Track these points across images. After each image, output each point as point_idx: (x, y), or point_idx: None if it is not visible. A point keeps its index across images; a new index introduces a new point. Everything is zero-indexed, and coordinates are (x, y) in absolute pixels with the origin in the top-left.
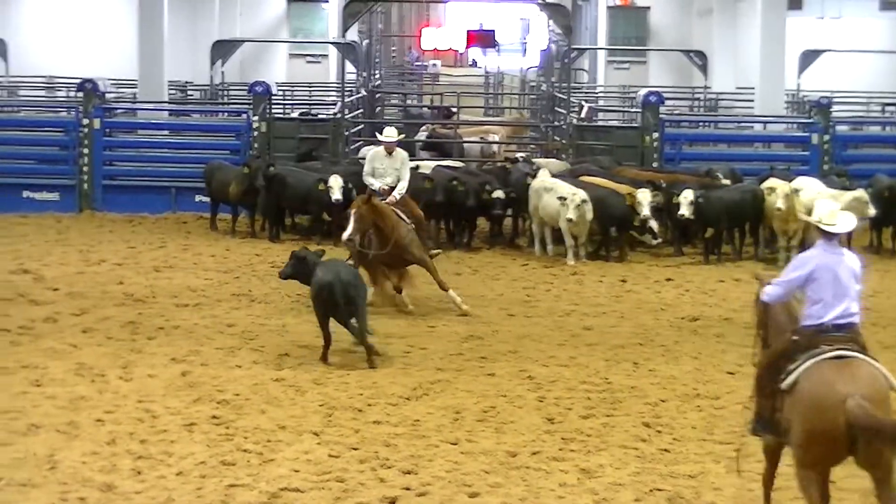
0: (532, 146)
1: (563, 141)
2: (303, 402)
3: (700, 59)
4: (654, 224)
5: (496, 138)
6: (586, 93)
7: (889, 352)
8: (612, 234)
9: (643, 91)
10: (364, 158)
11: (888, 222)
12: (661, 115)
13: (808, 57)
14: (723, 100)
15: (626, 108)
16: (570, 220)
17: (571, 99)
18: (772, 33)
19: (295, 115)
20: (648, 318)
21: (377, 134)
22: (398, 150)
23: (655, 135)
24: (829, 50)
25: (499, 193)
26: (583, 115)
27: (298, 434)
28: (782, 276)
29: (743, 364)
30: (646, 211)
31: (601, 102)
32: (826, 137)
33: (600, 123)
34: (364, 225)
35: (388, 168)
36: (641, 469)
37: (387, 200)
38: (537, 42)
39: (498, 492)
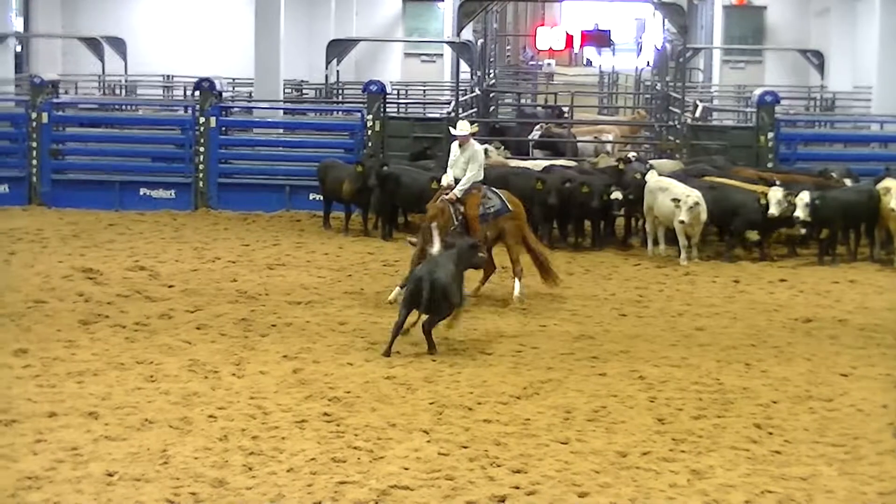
0: (646, 146)
1: (677, 141)
2: (413, 400)
3: (817, 58)
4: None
5: (610, 138)
6: (701, 92)
7: None
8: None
9: (758, 90)
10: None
11: None
12: (776, 115)
13: None
14: (839, 99)
15: (741, 108)
16: (682, 222)
17: (686, 98)
18: (890, 32)
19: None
20: (761, 319)
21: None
22: (471, 142)
23: (770, 135)
24: None
25: (617, 194)
26: (697, 114)
27: (408, 432)
28: None
29: (857, 366)
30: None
31: (716, 102)
32: None
33: (715, 123)
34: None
35: (458, 160)
36: (752, 471)
37: (447, 197)
38: (652, 41)
39: (608, 492)
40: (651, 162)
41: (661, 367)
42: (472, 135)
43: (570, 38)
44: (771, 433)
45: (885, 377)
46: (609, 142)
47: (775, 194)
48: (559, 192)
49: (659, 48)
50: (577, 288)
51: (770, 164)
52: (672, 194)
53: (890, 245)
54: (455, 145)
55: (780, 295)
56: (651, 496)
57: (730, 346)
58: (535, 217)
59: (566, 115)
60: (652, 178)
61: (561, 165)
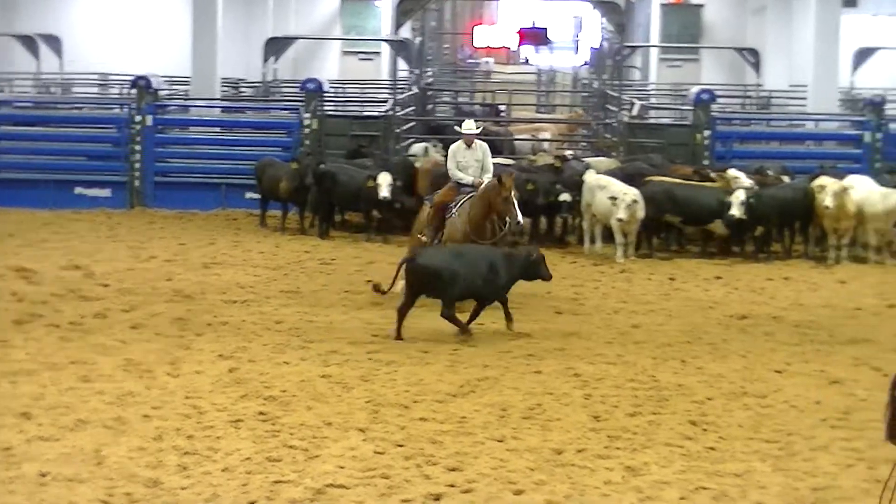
0: (583, 144)
1: (615, 139)
2: (349, 399)
3: (753, 56)
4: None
5: (548, 136)
6: (638, 90)
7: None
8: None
9: (695, 89)
10: (414, 155)
11: None
12: (712, 113)
13: (862, 55)
14: (775, 98)
15: (677, 106)
16: (620, 220)
17: (623, 97)
18: (826, 31)
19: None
20: (696, 317)
21: (456, 127)
22: (477, 141)
23: (707, 133)
24: (884, 48)
25: (565, 196)
26: (634, 112)
27: (344, 430)
28: None
29: (791, 363)
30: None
31: (653, 100)
32: (878, 136)
33: (652, 121)
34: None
35: (469, 160)
36: (687, 467)
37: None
38: (590, 39)
39: (543, 489)
40: (587, 160)
41: (596, 365)
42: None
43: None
44: (706, 430)
45: (819, 374)
46: (547, 140)
47: (738, 196)
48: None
49: (596, 46)
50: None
51: (706, 162)
52: (610, 192)
53: (824, 242)
54: (459, 147)
55: (715, 292)
56: (586, 493)
57: (665, 343)
58: None
59: (503, 113)
60: (590, 177)
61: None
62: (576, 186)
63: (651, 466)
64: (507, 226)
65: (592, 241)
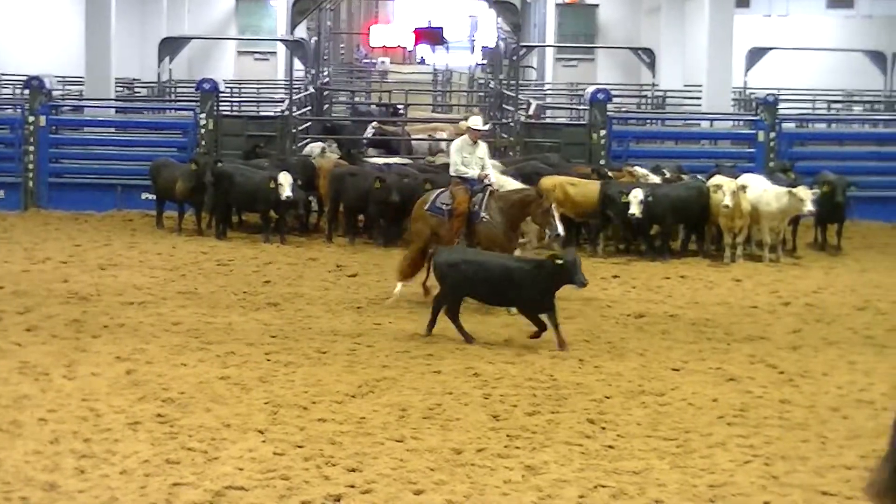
0: None
1: (511, 138)
2: (248, 400)
3: (648, 56)
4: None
5: (445, 136)
6: (534, 90)
7: (834, 348)
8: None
9: (591, 88)
10: (309, 154)
11: (832, 219)
12: (608, 113)
13: (755, 54)
14: (670, 97)
15: (573, 106)
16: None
17: (519, 96)
18: (719, 31)
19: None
20: (594, 315)
21: (462, 122)
22: (480, 139)
23: (603, 132)
24: (776, 48)
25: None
26: (531, 112)
27: (243, 432)
28: None
29: (688, 361)
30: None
31: (549, 100)
32: (772, 135)
33: (548, 121)
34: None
35: (474, 157)
36: (586, 465)
37: (492, 186)
38: (486, 39)
39: (443, 489)
40: None
41: (495, 364)
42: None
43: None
44: (604, 428)
45: (715, 371)
46: (444, 140)
47: (636, 195)
48: (400, 190)
49: (492, 46)
50: (413, 286)
51: (602, 161)
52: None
53: (720, 241)
54: (464, 142)
55: (612, 291)
56: (486, 493)
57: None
58: (371, 216)
59: (402, 112)
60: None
61: (396, 163)
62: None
63: (550, 465)
64: (549, 237)
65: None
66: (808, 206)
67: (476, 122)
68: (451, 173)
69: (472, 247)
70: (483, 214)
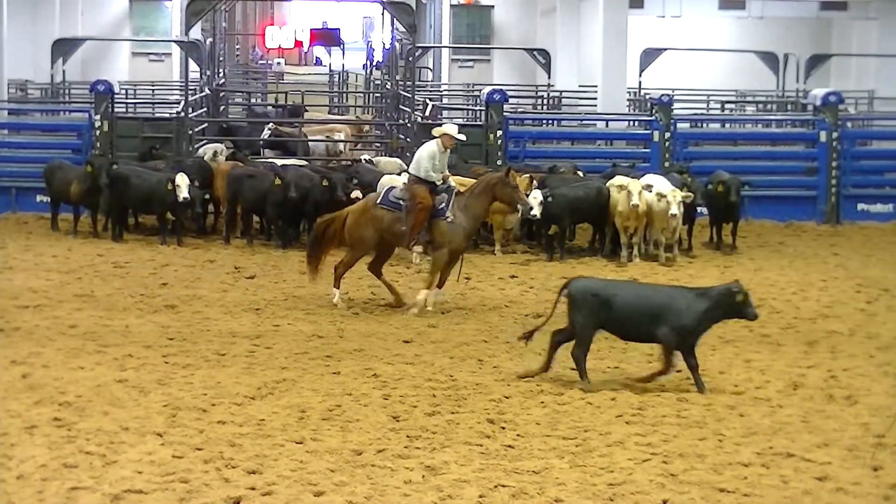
0: (377, 145)
1: (408, 139)
2: (146, 403)
3: (543, 57)
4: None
5: (342, 137)
6: (430, 91)
7: (730, 346)
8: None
9: (487, 89)
10: (202, 156)
11: (727, 219)
12: (504, 113)
13: (650, 55)
14: (566, 98)
15: (470, 107)
16: None
17: (416, 97)
18: (613, 32)
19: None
20: (493, 316)
21: (437, 129)
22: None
23: (499, 133)
24: (670, 48)
25: (357, 193)
26: (427, 113)
27: (142, 435)
28: None
29: (586, 360)
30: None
31: (445, 101)
32: (667, 135)
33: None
34: None
35: (442, 164)
36: (486, 465)
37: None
38: (381, 40)
39: (343, 490)
40: (372, 160)
41: (395, 365)
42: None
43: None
44: (504, 428)
45: (613, 370)
46: (340, 141)
47: (535, 196)
48: (298, 188)
49: (388, 47)
50: (311, 287)
51: (499, 162)
52: None
53: (617, 240)
54: (438, 149)
55: (510, 291)
56: (386, 493)
57: (463, 342)
58: (269, 216)
59: (301, 113)
60: (385, 177)
61: (293, 164)
62: (371, 187)
63: (450, 465)
64: (520, 212)
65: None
66: (674, 209)
67: (453, 129)
68: (419, 176)
69: (430, 243)
70: (448, 214)
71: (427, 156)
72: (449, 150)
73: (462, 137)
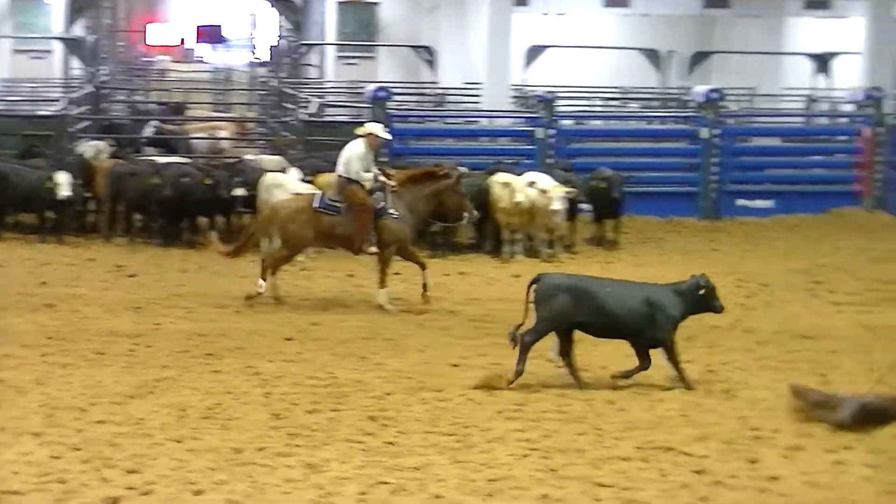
0: (261, 142)
1: (293, 137)
2: (23, 403)
3: (428, 54)
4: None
5: (226, 135)
6: (315, 88)
7: (611, 341)
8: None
9: (372, 86)
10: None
11: (609, 215)
12: (389, 110)
13: (534, 52)
14: (450, 95)
15: (355, 104)
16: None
17: (301, 94)
18: (498, 29)
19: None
20: (375, 312)
21: (362, 128)
22: None
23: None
24: (555, 45)
25: (240, 191)
26: (312, 110)
27: (18, 436)
28: None
29: (468, 356)
30: None
31: (330, 98)
32: (550, 131)
33: (329, 119)
34: None
35: (370, 163)
36: (366, 462)
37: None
38: (266, 37)
39: (223, 489)
40: (254, 158)
41: (276, 363)
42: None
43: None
44: (385, 425)
45: (494, 367)
46: (225, 139)
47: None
48: (175, 186)
49: (273, 44)
50: (192, 285)
51: (384, 159)
52: (287, 191)
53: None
54: (367, 149)
55: (393, 288)
56: (266, 491)
57: (344, 339)
58: (151, 214)
59: (184, 111)
60: (267, 175)
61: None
62: (255, 184)
63: (331, 463)
64: (464, 220)
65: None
66: (556, 204)
67: (378, 128)
68: (350, 177)
69: (379, 243)
70: (392, 210)
71: (356, 157)
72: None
73: (388, 136)
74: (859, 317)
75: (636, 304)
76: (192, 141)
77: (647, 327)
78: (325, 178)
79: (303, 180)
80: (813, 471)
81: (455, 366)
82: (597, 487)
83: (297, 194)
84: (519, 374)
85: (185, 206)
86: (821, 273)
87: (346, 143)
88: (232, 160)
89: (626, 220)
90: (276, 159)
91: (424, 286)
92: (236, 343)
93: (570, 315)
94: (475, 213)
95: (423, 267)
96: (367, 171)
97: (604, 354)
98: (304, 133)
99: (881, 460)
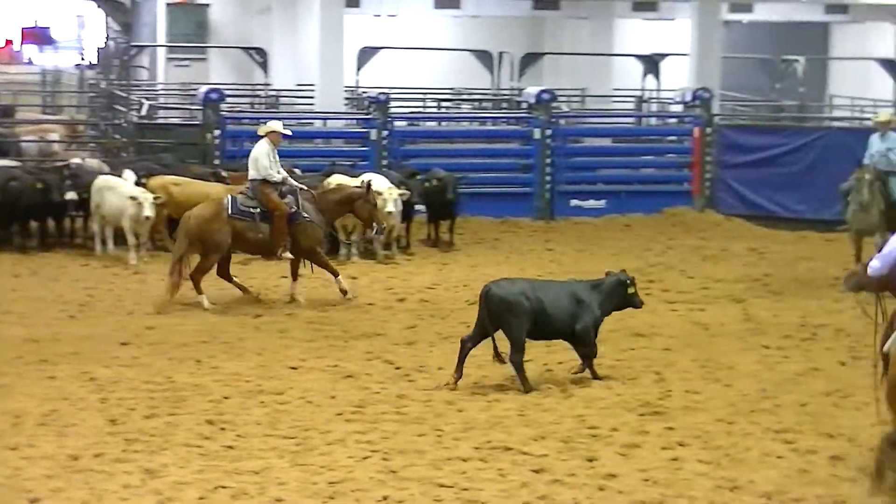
0: (92, 145)
1: (124, 139)
2: None
3: (260, 56)
4: None
5: (56, 137)
6: (146, 90)
7: (448, 342)
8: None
9: (204, 88)
10: None
11: (444, 216)
12: (222, 112)
13: (367, 54)
14: (283, 97)
15: (187, 106)
16: (147, 218)
17: (131, 97)
18: (329, 31)
19: None
20: (212, 316)
21: (263, 127)
22: None
23: (217, 132)
24: (387, 47)
25: (72, 195)
26: (143, 112)
27: None
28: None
29: (306, 359)
30: None
31: (162, 100)
32: (384, 133)
33: (161, 121)
34: None
35: (274, 159)
36: (205, 467)
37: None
38: (95, 39)
39: (60, 496)
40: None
41: (112, 368)
42: None
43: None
44: (223, 429)
45: (333, 368)
46: (55, 141)
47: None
48: (5, 190)
49: (102, 46)
50: (25, 290)
51: (217, 162)
52: (120, 194)
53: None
54: (269, 147)
55: (229, 291)
56: (104, 498)
57: (181, 343)
58: None
59: (12, 113)
60: (99, 178)
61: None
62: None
63: (170, 468)
64: (375, 231)
65: (104, 243)
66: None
67: (278, 125)
68: (259, 177)
69: (294, 247)
70: (304, 214)
71: (263, 154)
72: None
73: (288, 132)
74: (692, 314)
75: (572, 304)
76: (21, 144)
77: (578, 326)
78: (159, 181)
79: (137, 183)
80: (650, 468)
81: (294, 368)
82: (437, 488)
83: (205, 201)
84: (529, 391)
85: (15, 211)
86: (654, 272)
87: (179, 145)
88: (63, 163)
89: (461, 221)
90: (94, 162)
91: (343, 292)
92: (71, 348)
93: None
94: (385, 226)
95: (334, 274)
96: (275, 168)
97: (440, 356)
98: (136, 135)
99: (716, 457)
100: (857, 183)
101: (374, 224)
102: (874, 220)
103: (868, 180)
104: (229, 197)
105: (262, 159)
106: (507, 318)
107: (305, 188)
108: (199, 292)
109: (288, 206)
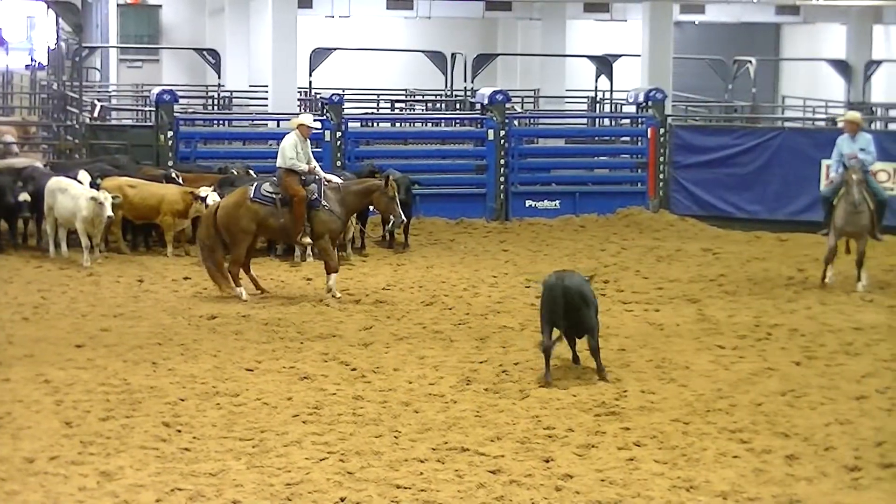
0: (44, 146)
1: (76, 141)
2: None
3: (213, 57)
4: None
5: (9, 139)
6: (99, 91)
7: (404, 343)
8: None
9: (156, 89)
10: None
11: None
12: (175, 114)
13: (320, 55)
14: (236, 98)
15: (140, 107)
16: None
17: (84, 98)
18: (282, 32)
19: None
20: (166, 318)
21: (293, 120)
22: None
23: (170, 133)
24: (340, 48)
25: (25, 196)
26: (96, 114)
27: None
28: None
29: (262, 360)
30: None
31: (114, 101)
32: (338, 134)
33: (114, 122)
34: None
35: (304, 152)
36: (162, 469)
37: (331, 181)
38: (46, 40)
39: (15, 499)
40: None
41: (67, 370)
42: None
43: None
44: (180, 431)
45: (289, 370)
46: (9, 143)
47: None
48: None
49: (53, 47)
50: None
51: (170, 163)
52: (73, 195)
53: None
54: (298, 139)
55: (184, 293)
56: (60, 501)
57: (136, 345)
58: None
59: None
60: (52, 180)
61: None
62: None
63: (126, 470)
64: (392, 223)
65: (57, 245)
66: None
67: (308, 119)
68: (286, 167)
69: (312, 234)
70: (323, 202)
71: (290, 146)
72: (308, 141)
73: (317, 126)
74: (647, 315)
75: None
76: None
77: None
78: (114, 182)
79: (92, 185)
80: (606, 468)
81: (249, 370)
82: (395, 489)
83: (94, 198)
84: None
85: None
86: (608, 273)
87: (132, 146)
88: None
89: (416, 222)
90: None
91: (328, 290)
92: (25, 350)
93: None
94: (403, 218)
95: (331, 271)
96: (302, 160)
97: (396, 357)
98: (88, 137)
99: (672, 457)
100: (847, 184)
101: (392, 216)
102: (866, 221)
103: (857, 180)
104: (255, 183)
105: (288, 151)
106: (583, 309)
107: (333, 180)
108: (238, 284)
109: (309, 192)
